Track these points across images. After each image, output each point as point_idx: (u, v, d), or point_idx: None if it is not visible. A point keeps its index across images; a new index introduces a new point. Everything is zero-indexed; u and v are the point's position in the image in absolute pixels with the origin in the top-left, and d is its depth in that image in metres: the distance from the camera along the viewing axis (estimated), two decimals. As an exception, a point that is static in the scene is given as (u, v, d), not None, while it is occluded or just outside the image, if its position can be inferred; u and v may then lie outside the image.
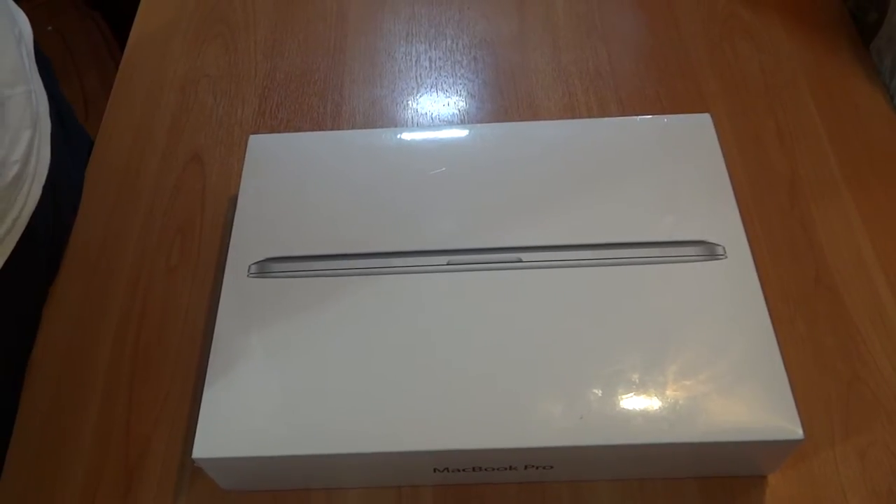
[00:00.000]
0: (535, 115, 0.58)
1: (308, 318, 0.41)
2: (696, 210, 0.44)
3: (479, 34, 0.63)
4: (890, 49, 0.57)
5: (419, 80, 0.61)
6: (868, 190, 0.52)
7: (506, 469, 0.40)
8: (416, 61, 0.62)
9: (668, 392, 0.38)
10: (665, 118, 0.49)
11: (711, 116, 0.49)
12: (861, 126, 0.55)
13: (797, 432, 0.36)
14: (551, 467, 0.40)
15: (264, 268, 0.43)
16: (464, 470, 0.40)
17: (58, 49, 1.14)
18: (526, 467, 0.40)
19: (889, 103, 0.56)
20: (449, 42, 0.63)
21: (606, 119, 0.50)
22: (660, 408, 0.37)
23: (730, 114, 0.56)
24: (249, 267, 0.43)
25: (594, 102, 0.58)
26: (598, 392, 0.38)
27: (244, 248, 0.44)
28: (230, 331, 0.41)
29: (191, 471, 0.43)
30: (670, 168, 0.46)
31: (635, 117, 0.50)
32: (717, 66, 0.59)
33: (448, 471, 0.40)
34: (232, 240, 0.45)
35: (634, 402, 0.38)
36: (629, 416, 0.37)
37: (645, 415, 0.37)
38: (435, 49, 0.63)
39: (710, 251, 0.42)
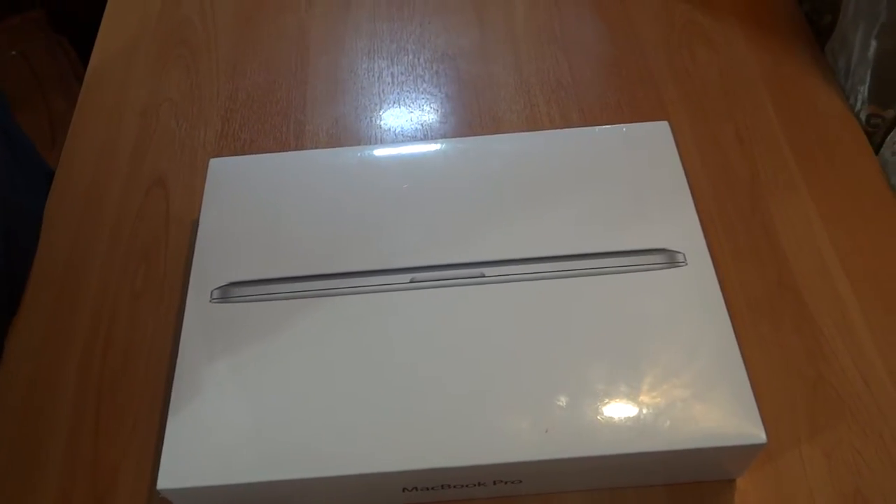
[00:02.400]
0: (497, 127, 0.58)
1: (272, 341, 0.41)
2: (656, 218, 0.44)
3: (440, 48, 0.64)
4: (844, 50, 0.58)
5: (382, 96, 0.61)
6: (828, 190, 0.53)
7: (475, 485, 0.40)
8: (378, 77, 0.62)
9: (633, 402, 0.38)
10: (624, 127, 0.49)
11: (669, 123, 0.49)
12: (819, 127, 0.56)
13: (760, 436, 0.37)
14: (520, 482, 0.40)
15: (227, 293, 0.43)
16: (433, 488, 0.39)
17: (23, 74, 1.13)
18: (495, 483, 0.40)
19: (845, 103, 0.57)
20: (411, 57, 0.63)
21: (566, 130, 0.50)
22: (625, 418, 0.37)
23: (690, 119, 0.57)
24: (212, 292, 0.43)
25: (556, 113, 0.58)
26: (563, 405, 0.38)
27: (206, 273, 0.44)
28: (193, 357, 0.41)
29: (158, 502, 0.43)
30: (630, 177, 0.46)
31: (595, 127, 0.50)
32: (677, 73, 0.60)
33: (417, 490, 0.40)
34: (193, 265, 0.44)
35: (600, 413, 0.38)
36: (595, 427, 0.37)
37: (610, 425, 0.37)
38: (397, 64, 0.63)
39: (670, 259, 0.42)
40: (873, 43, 0.53)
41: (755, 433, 0.37)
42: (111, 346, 0.49)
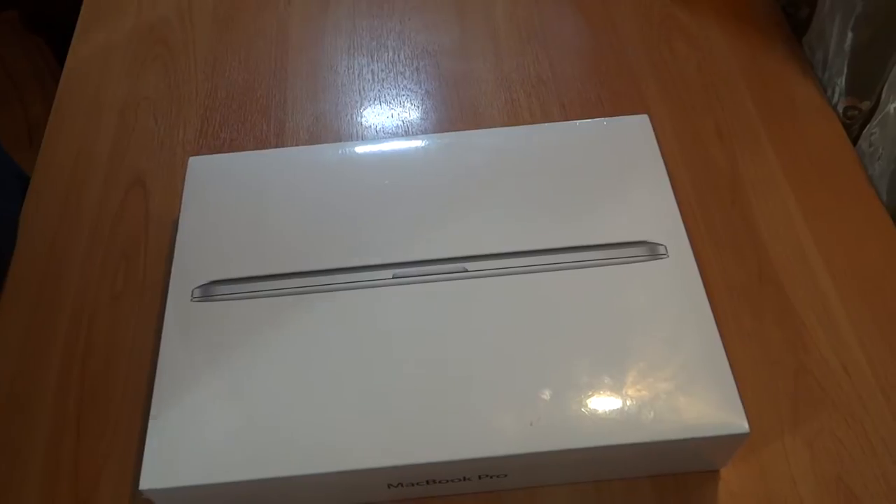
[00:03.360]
0: (478, 123, 0.58)
1: (253, 340, 0.41)
2: (638, 211, 0.45)
3: (420, 45, 0.63)
4: (821, 43, 0.58)
5: (362, 93, 0.61)
6: (807, 183, 0.53)
7: (461, 480, 0.40)
8: (358, 74, 0.62)
9: (616, 394, 0.38)
10: (604, 121, 0.49)
11: (649, 117, 0.49)
12: (798, 120, 0.56)
13: (743, 426, 0.37)
14: (506, 476, 0.40)
15: (207, 291, 0.43)
16: (418, 484, 0.39)
17: (-2, 76, 1.12)
18: (480, 477, 0.39)
19: (823, 96, 0.57)
20: (391, 54, 0.63)
21: (547, 125, 0.51)
22: (609, 410, 0.38)
23: (670, 113, 0.57)
24: (193, 291, 0.43)
25: (537, 108, 0.58)
26: (548, 398, 0.38)
27: (187, 272, 0.44)
28: (174, 357, 0.40)
29: (140, 503, 0.42)
30: (611, 170, 0.47)
31: (575, 122, 0.50)
32: (656, 67, 0.60)
33: (402, 486, 0.39)
34: (174, 265, 0.44)
35: (584, 405, 0.38)
36: (579, 420, 0.37)
37: (595, 418, 0.37)
38: (377, 61, 0.63)
39: (651, 251, 0.43)
40: (850, 35, 0.54)
41: (738, 423, 0.37)
42: (92, 347, 0.48)
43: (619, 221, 0.44)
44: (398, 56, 0.63)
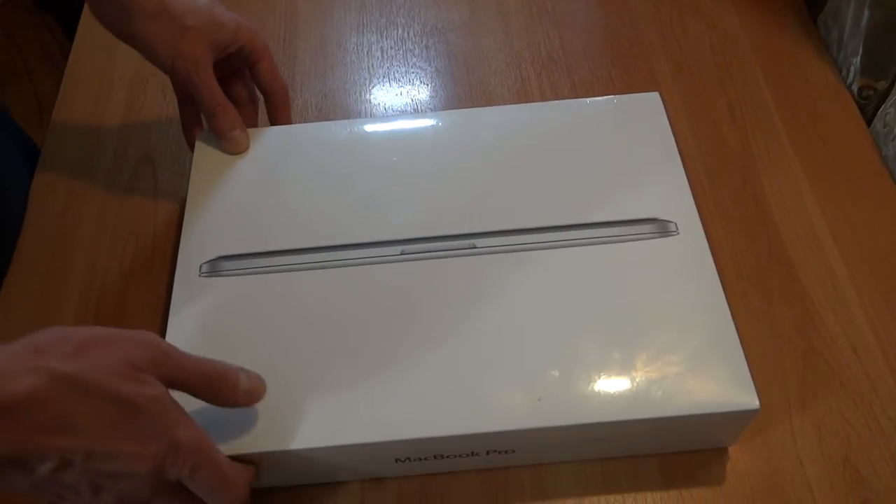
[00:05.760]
0: (488, 101, 0.57)
1: (261, 314, 0.41)
2: (648, 188, 0.44)
3: (430, 22, 0.63)
4: (836, 23, 0.57)
5: (371, 70, 0.60)
6: (819, 163, 0.52)
7: (468, 455, 0.40)
8: (367, 52, 0.61)
9: (626, 370, 0.38)
10: (615, 98, 0.49)
11: (660, 95, 0.49)
12: (810, 100, 0.56)
13: (753, 402, 0.37)
14: (513, 451, 0.40)
15: (215, 267, 0.43)
16: (426, 458, 0.39)
17: (8, 53, 1.12)
18: (488, 452, 0.40)
19: (837, 75, 0.57)
20: (400, 31, 0.63)
21: (557, 102, 0.50)
22: (617, 386, 0.37)
23: (681, 92, 0.57)
24: (201, 266, 0.43)
25: (547, 87, 0.58)
26: (556, 373, 0.38)
27: (195, 248, 0.44)
28: (182, 331, 0.41)
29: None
30: (621, 148, 0.46)
31: (585, 99, 0.50)
32: (668, 46, 0.60)
33: (410, 460, 0.40)
34: (182, 241, 0.44)
35: (593, 382, 0.38)
36: (588, 396, 0.37)
37: (603, 393, 0.37)
38: (386, 39, 0.62)
39: (662, 228, 0.42)
40: (866, 13, 0.53)
41: (748, 400, 0.37)
42: (101, 323, 0.48)
43: (630, 198, 0.44)
44: (407, 33, 0.62)
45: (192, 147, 0.49)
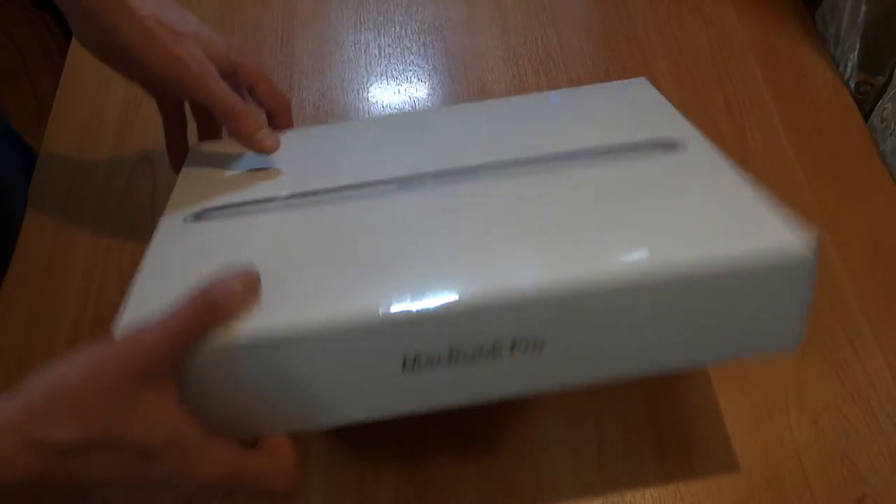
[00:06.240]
0: (486, 98, 0.57)
1: (248, 246, 0.39)
2: (647, 126, 0.43)
3: (427, 19, 0.63)
4: (834, 17, 0.57)
5: (369, 68, 0.60)
6: (817, 158, 0.53)
7: (488, 354, 0.34)
8: (365, 49, 0.61)
9: (658, 234, 0.35)
10: (605, 84, 0.49)
11: (647, 79, 0.48)
12: (808, 95, 0.56)
13: (804, 252, 0.34)
14: (543, 343, 0.34)
15: (201, 215, 0.41)
16: (438, 363, 0.34)
17: (7, 52, 1.12)
18: (513, 348, 0.34)
19: (835, 71, 0.57)
20: (398, 29, 0.63)
21: (552, 91, 0.50)
22: (659, 247, 0.34)
23: (679, 88, 0.57)
24: (185, 216, 0.41)
25: (545, 83, 0.58)
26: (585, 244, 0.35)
27: (181, 206, 0.42)
28: (157, 273, 0.38)
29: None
30: (620, 108, 0.46)
31: (577, 87, 0.50)
32: (666, 42, 0.60)
33: (419, 364, 0.34)
34: (169, 201, 0.43)
35: (632, 245, 0.35)
36: (620, 258, 0.34)
37: (639, 256, 0.34)
38: (384, 36, 0.62)
39: (669, 144, 0.41)
40: (863, 8, 0.53)
41: (798, 249, 0.35)
42: (100, 322, 0.48)
43: (631, 133, 0.42)
44: (405, 31, 0.62)
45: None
